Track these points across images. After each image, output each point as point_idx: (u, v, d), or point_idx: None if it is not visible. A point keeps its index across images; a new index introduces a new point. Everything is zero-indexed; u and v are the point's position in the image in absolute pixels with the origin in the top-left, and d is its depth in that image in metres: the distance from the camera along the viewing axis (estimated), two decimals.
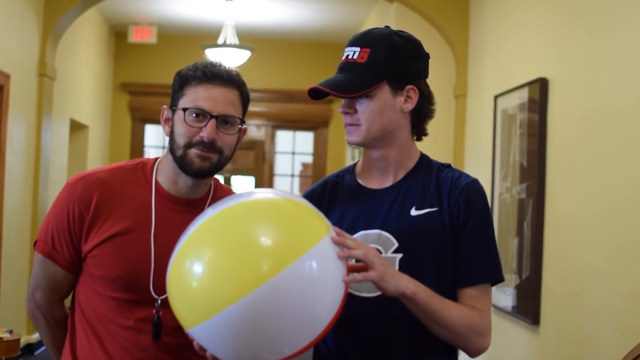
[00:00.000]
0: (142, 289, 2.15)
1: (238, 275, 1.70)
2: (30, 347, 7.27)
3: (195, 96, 2.14)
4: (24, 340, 6.91)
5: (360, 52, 2.04)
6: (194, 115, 2.13)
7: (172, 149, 2.18)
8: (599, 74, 4.37)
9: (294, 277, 1.72)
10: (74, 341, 2.25)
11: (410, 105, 2.07)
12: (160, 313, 2.16)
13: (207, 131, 2.12)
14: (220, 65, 2.19)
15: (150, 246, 2.16)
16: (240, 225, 1.78)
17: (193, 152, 2.14)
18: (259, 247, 1.74)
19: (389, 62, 2.03)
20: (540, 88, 5.15)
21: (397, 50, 2.05)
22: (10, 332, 4.80)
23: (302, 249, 1.74)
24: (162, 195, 2.22)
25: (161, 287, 2.13)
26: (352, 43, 2.08)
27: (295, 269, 1.72)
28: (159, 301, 2.15)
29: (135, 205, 2.20)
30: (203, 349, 1.83)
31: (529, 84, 5.39)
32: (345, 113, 2.06)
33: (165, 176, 2.23)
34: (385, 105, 2.04)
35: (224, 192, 2.32)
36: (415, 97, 2.07)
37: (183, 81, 2.17)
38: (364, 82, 2.01)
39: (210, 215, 1.83)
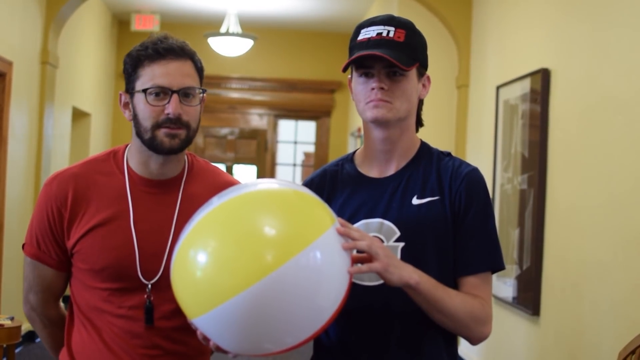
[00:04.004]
0: (129, 276, 2.15)
1: (243, 266, 1.70)
2: (32, 335, 7.28)
3: (152, 75, 2.12)
4: (25, 327, 6.92)
5: (395, 31, 2.04)
6: (155, 94, 2.11)
7: (138, 133, 2.16)
8: (601, 64, 4.37)
9: (299, 269, 1.72)
10: (70, 335, 2.26)
11: (425, 93, 2.12)
12: (152, 298, 2.16)
13: (172, 107, 2.11)
14: (169, 38, 2.18)
15: (131, 232, 2.16)
16: (245, 215, 1.78)
17: (162, 132, 2.12)
18: (263, 238, 1.74)
19: (419, 47, 2.07)
20: (542, 79, 5.15)
21: (422, 38, 2.10)
22: (12, 319, 4.82)
23: (307, 240, 1.75)
24: (136, 180, 2.22)
25: (149, 272, 2.15)
26: (382, 23, 2.06)
27: (300, 260, 1.72)
28: (149, 286, 2.16)
29: (111, 194, 2.19)
30: (207, 339, 1.83)
31: (531, 74, 5.39)
32: (381, 88, 2.03)
33: (136, 161, 2.22)
34: (413, 88, 2.07)
35: (200, 166, 2.31)
36: (428, 85, 2.13)
37: (135, 62, 2.15)
38: (408, 59, 2.02)
39: (215, 205, 1.83)
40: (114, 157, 2.26)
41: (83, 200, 2.18)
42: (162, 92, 2.12)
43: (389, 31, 2.04)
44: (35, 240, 2.23)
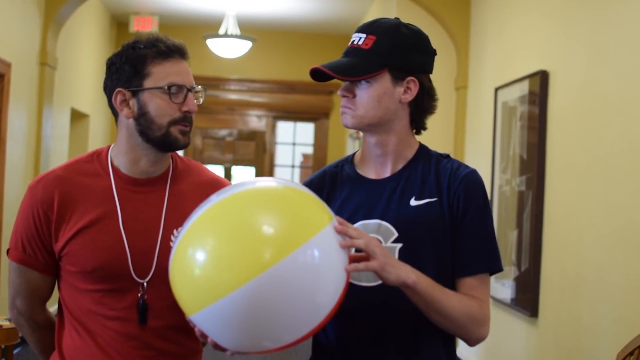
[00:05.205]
0: (122, 276, 2.15)
1: (240, 263, 1.71)
2: None
3: (166, 72, 2.14)
4: None
5: (365, 38, 2.06)
6: (173, 92, 2.13)
7: (145, 130, 2.15)
8: (600, 66, 4.37)
9: (296, 265, 1.73)
10: (60, 339, 2.25)
11: (409, 97, 2.08)
12: (146, 297, 2.16)
13: (191, 105, 2.15)
14: (168, 38, 2.20)
15: (120, 232, 2.16)
16: (242, 213, 1.79)
17: (177, 129, 2.14)
18: (261, 234, 1.75)
19: (393, 51, 2.05)
20: (540, 81, 5.15)
21: (402, 41, 2.07)
22: (10, 320, 4.81)
23: (304, 237, 1.75)
24: (123, 180, 2.21)
25: (142, 270, 2.15)
26: (360, 30, 2.09)
27: (297, 257, 1.73)
28: (143, 284, 2.16)
29: (97, 195, 2.18)
30: (204, 335, 1.84)
31: (530, 76, 5.39)
32: (344, 96, 2.07)
33: (126, 159, 2.21)
34: (384, 94, 2.05)
35: (183, 164, 2.32)
36: (414, 89, 2.08)
37: (142, 59, 2.14)
38: (366, 67, 2.03)
39: (213, 202, 1.83)
40: (97, 158, 2.25)
41: (70, 202, 2.17)
42: (179, 90, 2.14)
43: (360, 38, 2.07)
44: (21, 244, 2.21)
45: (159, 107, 2.13)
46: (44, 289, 2.27)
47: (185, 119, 2.15)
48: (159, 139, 2.15)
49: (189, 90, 2.15)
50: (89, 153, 2.28)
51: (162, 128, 2.14)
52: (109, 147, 2.27)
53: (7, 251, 2.26)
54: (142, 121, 2.15)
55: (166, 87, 2.12)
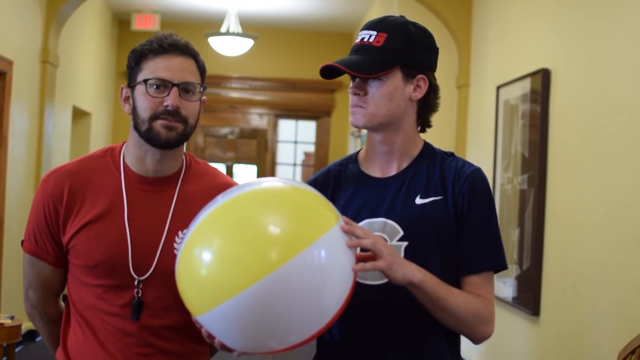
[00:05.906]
0: (122, 272, 2.16)
1: (247, 264, 1.71)
2: (32, 334, 7.28)
3: (154, 68, 2.14)
4: (25, 326, 6.92)
5: (376, 36, 2.05)
6: (155, 86, 2.13)
7: (136, 125, 2.17)
8: (602, 65, 4.37)
9: (303, 266, 1.72)
10: (66, 333, 2.27)
11: (418, 95, 2.09)
12: (140, 294, 2.17)
13: (171, 99, 2.12)
14: (175, 35, 2.20)
15: (125, 229, 2.17)
16: (249, 213, 1.78)
17: (159, 123, 2.13)
18: (268, 235, 1.75)
19: (404, 49, 2.05)
20: (542, 79, 5.15)
21: (413, 39, 2.07)
22: (12, 318, 4.82)
23: (312, 237, 1.75)
24: (132, 177, 2.22)
25: (141, 269, 2.16)
26: (369, 27, 2.09)
27: (305, 257, 1.72)
28: (136, 282, 2.16)
29: (106, 191, 2.20)
30: (211, 336, 1.84)
31: (531, 74, 5.39)
32: (355, 94, 2.06)
33: (133, 157, 2.23)
34: (396, 91, 2.05)
35: (198, 166, 2.31)
36: (424, 87, 2.09)
37: (139, 56, 2.17)
38: (380, 65, 2.03)
39: (219, 203, 1.83)
40: (110, 154, 2.27)
41: (78, 197, 2.19)
42: (163, 85, 2.13)
43: (370, 35, 2.07)
44: (33, 236, 2.24)
45: (141, 102, 2.15)
46: (56, 282, 2.29)
47: (167, 113, 2.13)
48: (145, 134, 2.15)
49: (174, 85, 2.13)
50: (104, 149, 2.30)
51: (145, 122, 2.14)
52: (123, 143, 2.29)
53: (22, 242, 2.29)
54: (134, 116, 2.18)
55: (142, 81, 2.14)
